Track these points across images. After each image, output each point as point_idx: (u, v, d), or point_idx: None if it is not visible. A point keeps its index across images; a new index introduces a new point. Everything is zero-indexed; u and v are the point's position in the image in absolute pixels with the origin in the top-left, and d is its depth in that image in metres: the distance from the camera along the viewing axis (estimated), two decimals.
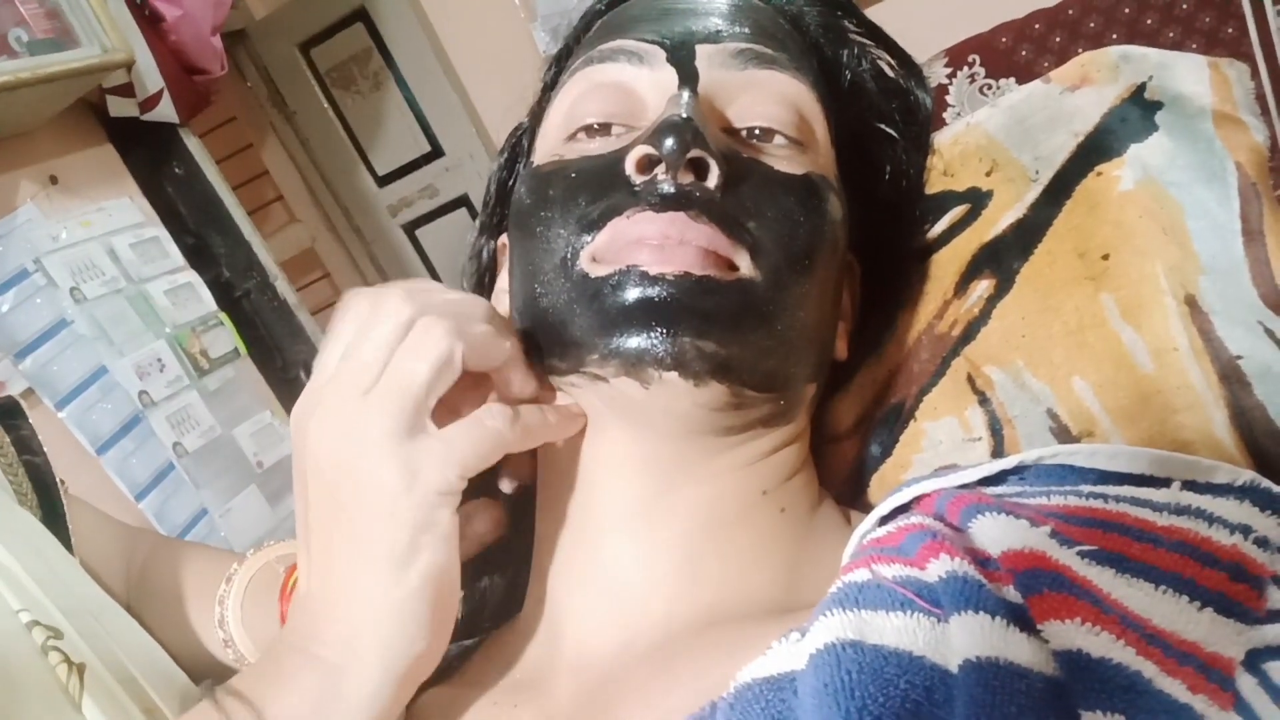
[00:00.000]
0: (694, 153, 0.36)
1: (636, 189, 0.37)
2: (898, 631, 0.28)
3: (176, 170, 1.84)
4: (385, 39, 2.69)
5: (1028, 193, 0.45)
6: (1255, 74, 1.79)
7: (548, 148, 0.43)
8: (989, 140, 0.48)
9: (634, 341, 0.35)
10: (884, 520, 0.34)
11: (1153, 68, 0.44)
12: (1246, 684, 0.25)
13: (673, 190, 0.36)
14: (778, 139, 0.41)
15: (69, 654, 0.54)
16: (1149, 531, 0.29)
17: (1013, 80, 2.09)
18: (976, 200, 0.47)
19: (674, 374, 0.35)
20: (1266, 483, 0.30)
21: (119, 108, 1.71)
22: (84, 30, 1.58)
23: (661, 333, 0.35)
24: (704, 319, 0.35)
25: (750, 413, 0.38)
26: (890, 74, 0.48)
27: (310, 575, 0.36)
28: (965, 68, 2.12)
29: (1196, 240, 0.41)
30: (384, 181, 2.87)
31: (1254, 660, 0.26)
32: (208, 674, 0.62)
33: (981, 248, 0.46)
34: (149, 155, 1.81)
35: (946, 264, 0.47)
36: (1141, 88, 0.44)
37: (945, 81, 2.15)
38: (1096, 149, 0.44)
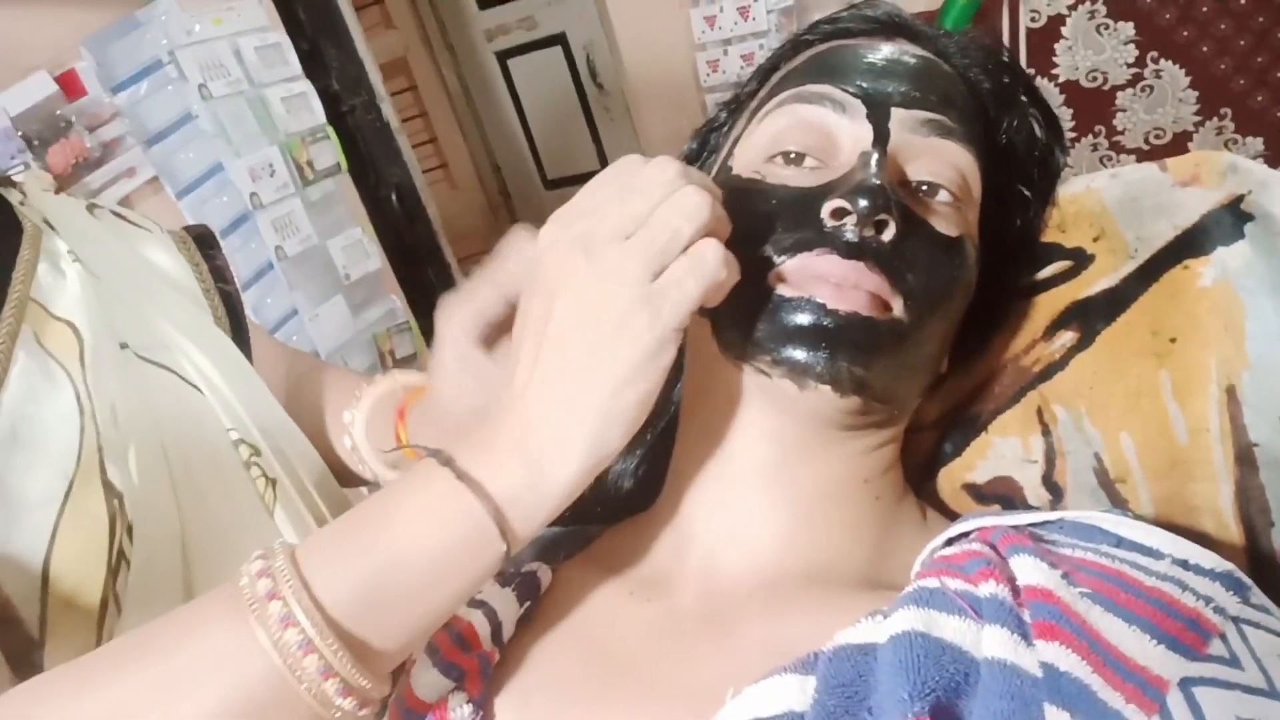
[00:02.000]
0: (880, 216, 0.45)
1: (827, 230, 0.47)
2: (955, 631, 0.39)
3: None
4: None
5: (1124, 266, 0.54)
6: None
7: (748, 160, 0.52)
8: (1103, 209, 0.56)
9: (802, 355, 0.46)
10: (949, 541, 0.45)
11: (1255, 183, 0.52)
12: (1176, 700, 0.35)
13: (857, 240, 0.46)
14: (942, 194, 0.50)
15: (265, 469, 0.66)
16: (1137, 587, 0.40)
17: (1131, 25, 2.07)
18: (1080, 259, 0.56)
19: (828, 387, 0.46)
20: (1240, 574, 0.40)
21: None
22: None
23: (826, 355, 0.45)
24: (861, 350, 0.46)
25: (871, 416, 0.49)
26: (1039, 135, 0.56)
27: (533, 375, 0.43)
28: (1087, 3, 2.09)
29: (1250, 340, 0.50)
30: (485, 4, 2.87)
31: (1186, 684, 0.36)
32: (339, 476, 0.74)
33: (1074, 303, 0.55)
34: None
35: (1042, 308, 0.56)
36: (1240, 199, 0.52)
37: (1065, 13, 2.13)
38: (1189, 244, 0.52)
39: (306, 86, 1.84)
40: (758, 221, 0.49)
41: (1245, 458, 0.49)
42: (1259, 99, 2.05)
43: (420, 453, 0.45)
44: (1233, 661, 0.37)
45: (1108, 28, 2.10)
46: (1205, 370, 0.50)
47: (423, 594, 0.42)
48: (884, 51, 0.52)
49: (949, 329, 0.51)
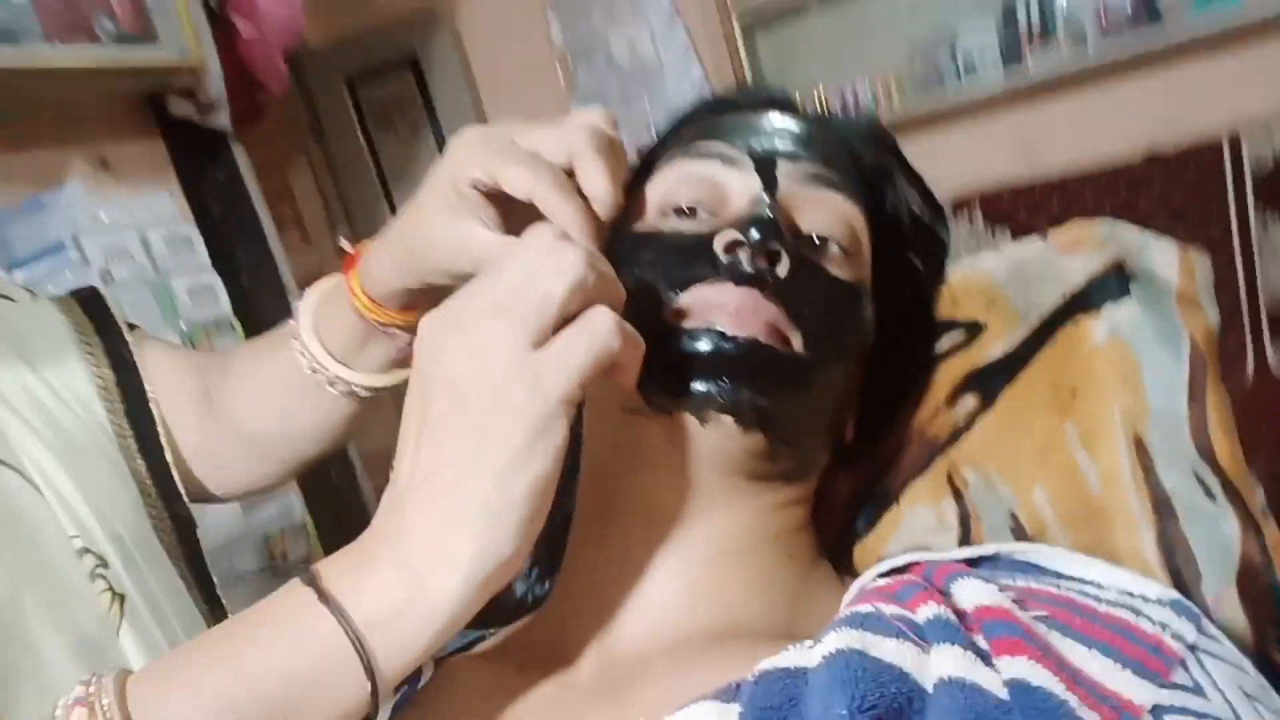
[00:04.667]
0: (772, 245, 0.45)
1: (721, 264, 0.46)
2: (893, 652, 0.35)
3: (218, 176, 1.92)
4: (430, 90, 2.81)
5: (1017, 330, 0.54)
6: (1231, 261, 1.94)
7: (643, 219, 0.52)
8: (991, 282, 0.57)
9: (702, 385, 0.44)
10: (881, 576, 0.42)
11: (1133, 246, 0.54)
12: None
13: (751, 270, 0.45)
14: (833, 247, 0.50)
15: (113, 583, 0.59)
16: (1090, 611, 0.37)
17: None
18: (973, 329, 0.56)
19: (730, 418, 0.44)
20: (1188, 602, 0.39)
21: (179, 108, 1.81)
22: (165, 30, 1.67)
23: (727, 383, 0.43)
24: (761, 379, 0.44)
25: (777, 465, 0.47)
26: (922, 215, 0.58)
27: (414, 473, 0.38)
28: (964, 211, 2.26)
29: (1150, 393, 0.50)
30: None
31: (1159, 712, 0.34)
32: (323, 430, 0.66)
33: (973, 370, 0.55)
34: (195, 157, 1.90)
35: (943, 378, 0.56)
36: (1121, 263, 0.53)
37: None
38: (1079, 304, 0.53)
39: (214, 279, 1.83)
40: (654, 270, 0.48)
41: (1163, 507, 0.47)
42: None
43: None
44: (1197, 690, 0.35)
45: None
46: (1110, 419, 0.50)
47: None
48: (770, 117, 0.54)
49: (849, 380, 0.50)
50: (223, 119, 1.86)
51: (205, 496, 0.70)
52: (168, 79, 1.71)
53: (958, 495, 0.52)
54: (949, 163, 2.29)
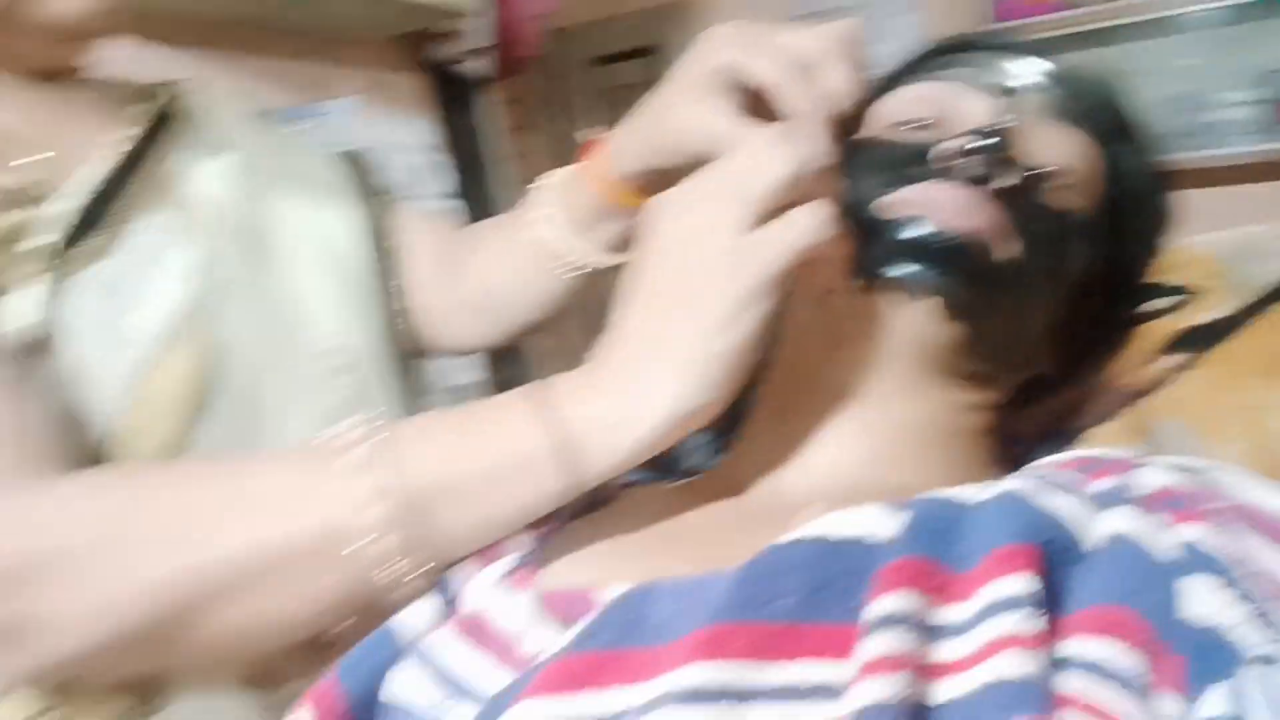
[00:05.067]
0: (1003, 154, 0.47)
1: (950, 168, 0.48)
2: (1059, 506, 0.37)
3: (469, 120, 2.07)
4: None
5: (1235, 299, 0.54)
6: None
7: (872, 129, 0.54)
8: (1212, 256, 0.57)
9: (916, 267, 0.46)
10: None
11: None
12: None
13: (978, 174, 0.47)
14: (1064, 180, 0.51)
15: (351, 388, 0.66)
16: (1275, 520, 0.37)
17: None
18: (1188, 294, 0.56)
19: (935, 303, 0.46)
20: None
21: (443, 51, 1.96)
22: None
23: (938, 270, 0.46)
24: (974, 273, 0.46)
25: (969, 363, 0.49)
26: (1155, 182, 0.58)
27: (635, 326, 0.44)
28: None
29: None
30: None
31: None
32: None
33: (1186, 330, 0.55)
34: (452, 99, 2.05)
35: (1151, 335, 0.56)
36: None
37: None
38: None
39: (458, 205, 1.98)
40: (877, 170, 0.50)
41: None
42: None
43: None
44: None
45: None
46: None
47: (487, 495, 0.43)
48: (1015, 57, 0.55)
49: (1057, 309, 0.51)
50: (481, 67, 2.01)
51: (426, 350, 0.78)
52: (435, 21, 1.86)
53: (1146, 442, 0.53)
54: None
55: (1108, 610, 0.33)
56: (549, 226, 0.68)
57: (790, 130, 0.45)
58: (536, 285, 0.72)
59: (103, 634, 0.42)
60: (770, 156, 0.43)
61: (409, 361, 0.74)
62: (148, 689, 0.49)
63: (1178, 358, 0.54)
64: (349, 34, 1.83)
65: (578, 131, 3.06)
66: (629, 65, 3.02)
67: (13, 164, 0.52)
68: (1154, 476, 0.39)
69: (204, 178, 0.62)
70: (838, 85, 0.50)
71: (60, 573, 0.41)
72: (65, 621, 0.41)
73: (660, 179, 0.59)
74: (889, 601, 0.33)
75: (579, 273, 0.70)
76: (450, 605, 0.44)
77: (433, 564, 0.44)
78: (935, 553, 0.35)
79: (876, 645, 0.32)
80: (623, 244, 0.69)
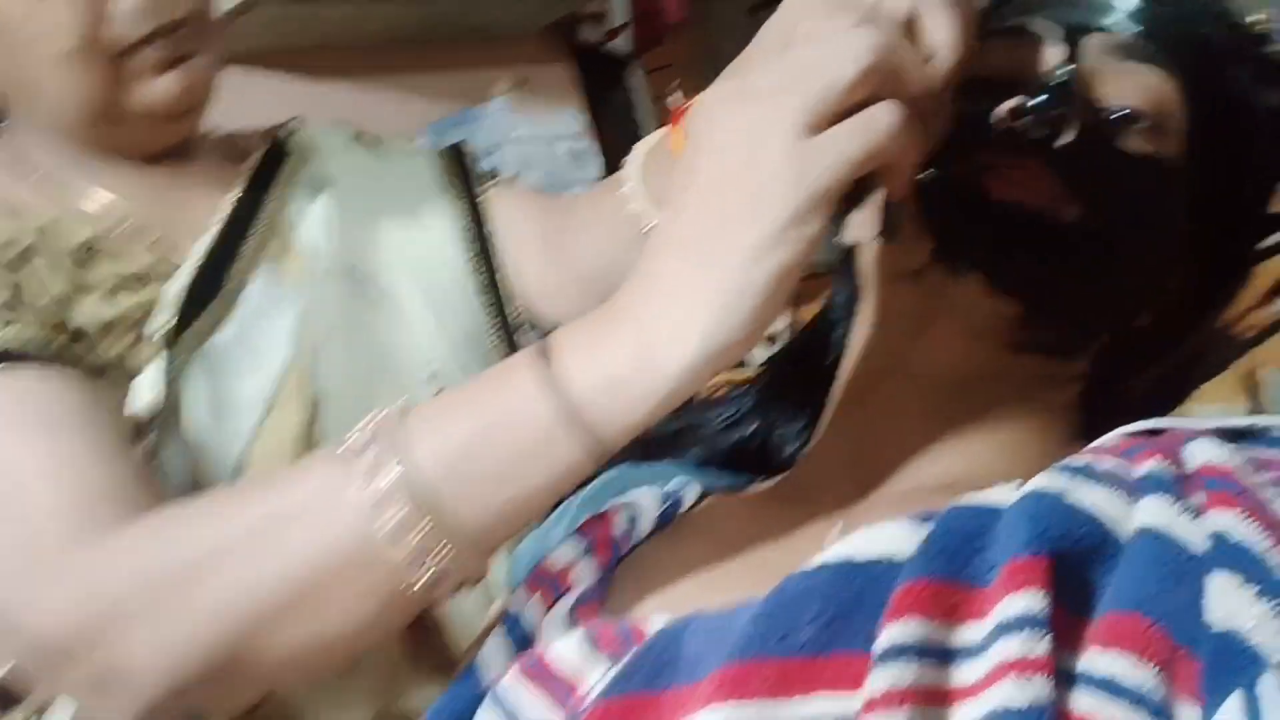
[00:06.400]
0: (1056, 111, 0.44)
1: (1009, 131, 0.45)
2: (1095, 500, 0.35)
3: (618, 99, 2.10)
4: None
5: None
6: None
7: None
8: None
9: (962, 243, 0.45)
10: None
11: None
12: None
13: (1034, 137, 0.44)
14: (1139, 123, 0.47)
15: None
16: None
17: None
18: None
19: (983, 275, 0.44)
20: None
21: (588, 33, 1.99)
22: None
23: (987, 242, 0.44)
24: (1021, 244, 0.44)
25: (1036, 335, 0.46)
26: (1274, 101, 0.52)
27: (669, 239, 0.39)
28: None
29: None
30: None
31: None
32: None
33: None
34: (599, 79, 2.09)
35: (1262, 274, 0.51)
36: None
37: None
38: None
39: None
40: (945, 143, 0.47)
41: None
42: None
43: None
44: None
45: None
46: None
47: (505, 476, 0.41)
48: None
49: (1145, 263, 0.48)
50: (625, 44, 2.02)
51: (546, 328, 0.75)
52: (579, 5, 1.89)
53: (1252, 393, 0.48)
54: None
55: (1121, 618, 0.31)
56: (637, 200, 0.65)
57: (868, 17, 0.38)
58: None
59: (181, 671, 0.42)
60: (839, 50, 0.37)
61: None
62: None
63: None
64: (499, 33, 1.89)
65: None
66: None
67: (135, 247, 0.58)
68: (1201, 453, 0.36)
69: (306, 223, 0.66)
70: (943, 35, 0.43)
71: (133, 618, 0.42)
72: (146, 664, 0.43)
73: None
74: (895, 630, 0.32)
75: None
76: (526, 642, 0.45)
77: (469, 556, 0.41)
78: (953, 569, 0.34)
79: (881, 679, 0.31)
80: None
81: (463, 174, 0.77)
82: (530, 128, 1.89)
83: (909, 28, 0.42)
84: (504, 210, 0.76)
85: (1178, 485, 0.35)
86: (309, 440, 0.58)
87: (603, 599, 0.46)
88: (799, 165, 0.36)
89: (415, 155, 0.79)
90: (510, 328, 0.73)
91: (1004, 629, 0.32)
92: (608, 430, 0.39)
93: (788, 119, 0.37)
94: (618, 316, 0.40)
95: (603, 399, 0.39)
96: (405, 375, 0.66)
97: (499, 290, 0.73)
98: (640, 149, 0.66)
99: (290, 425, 0.57)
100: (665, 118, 0.63)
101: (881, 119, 0.37)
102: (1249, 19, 0.54)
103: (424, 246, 0.72)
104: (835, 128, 0.37)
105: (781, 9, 0.48)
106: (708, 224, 0.38)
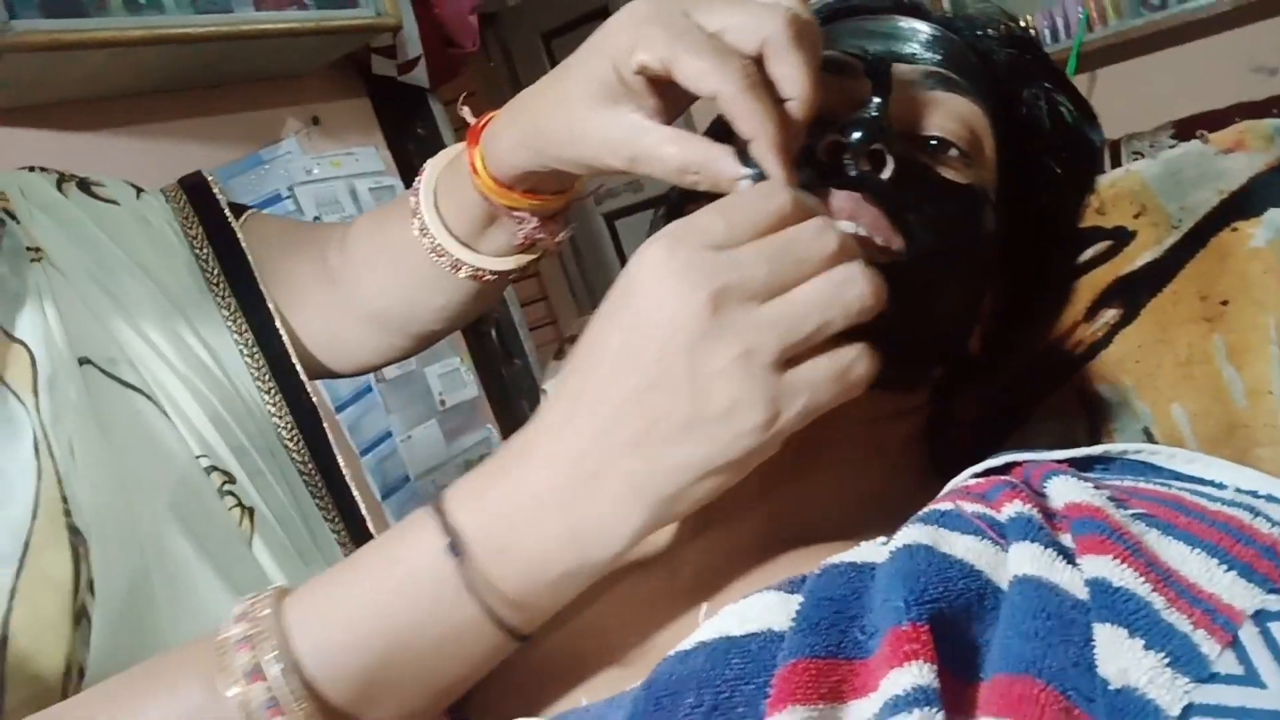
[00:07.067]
0: (874, 146, 0.43)
1: (824, 170, 0.44)
2: (966, 549, 0.34)
3: (420, 131, 2.04)
4: None
5: (1167, 237, 0.50)
6: None
7: None
8: (1142, 186, 0.53)
9: None
10: (978, 476, 0.41)
11: None
12: (1248, 633, 0.30)
13: (853, 175, 0.43)
14: (951, 151, 0.47)
15: (241, 497, 0.59)
16: (1199, 510, 0.34)
17: None
18: (1120, 237, 0.52)
19: None
20: None
21: (381, 66, 1.92)
22: None
23: None
24: None
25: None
26: (1067, 116, 0.54)
27: (604, 425, 0.35)
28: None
29: None
30: None
31: (1261, 618, 0.30)
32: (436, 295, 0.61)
33: (1116, 280, 0.51)
34: (398, 113, 2.02)
35: (1083, 290, 0.52)
36: None
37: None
38: (1237, 207, 0.48)
39: None
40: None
41: None
42: None
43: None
44: None
45: None
46: (1264, 330, 0.45)
47: (415, 678, 0.38)
48: (892, 20, 0.52)
49: (965, 290, 0.48)
50: (421, 76, 1.96)
51: (327, 373, 0.68)
52: (369, 39, 1.82)
53: (1090, 411, 0.49)
54: (1169, 85, 2.10)
55: (1013, 682, 0.30)
56: (431, 230, 0.57)
57: (854, 261, 0.36)
58: (432, 296, 0.61)
59: None
60: (835, 296, 0.35)
61: (306, 418, 0.65)
62: None
63: (1111, 313, 0.51)
64: (290, 71, 1.79)
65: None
66: (581, 34, 2.95)
67: None
68: (1063, 491, 0.36)
69: (22, 314, 0.54)
70: (797, 84, 0.40)
71: None
72: None
73: (550, 179, 0.51)
74: None
75: (478, 279, 0.59)
76: None
77: None
78: (830, 643, 0.33)
79: None
80: (524, 246, 0.57)
81: (202, 210, 0.66)
82: (328, 167, 1.80)
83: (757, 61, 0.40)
84: (265, 243, 0.66)
85: (1045, 528, 0.34)
86: (77, 596, 0.49)
87: (456, 709, 0.41)
88: (771, 406, 0.34)
89: (143, 201, 0.67)
90: (305, 410, 0.65)
91: (893, 708, 0.30)
92: (539, 609, 0.38)
93: (768, 352, 0.34)
94: (537, 494, 0.36)
95: (537, 589, 0.37)
96: (184, 472, 0.57)
97: (282, 378, 0.64)
98: (429, 172, 0.58)
99: (53, 582, 0.48)
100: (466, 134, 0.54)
101: (859, 370, 0.36)
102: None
103: (165, 306, 0.61)
104: (810, 370, 0.35)
105: (610, 27, 0.44)
106: (661, 428, 0.34)
